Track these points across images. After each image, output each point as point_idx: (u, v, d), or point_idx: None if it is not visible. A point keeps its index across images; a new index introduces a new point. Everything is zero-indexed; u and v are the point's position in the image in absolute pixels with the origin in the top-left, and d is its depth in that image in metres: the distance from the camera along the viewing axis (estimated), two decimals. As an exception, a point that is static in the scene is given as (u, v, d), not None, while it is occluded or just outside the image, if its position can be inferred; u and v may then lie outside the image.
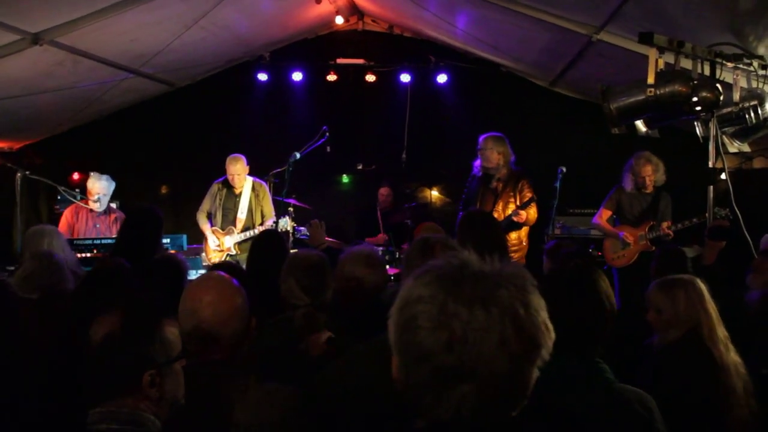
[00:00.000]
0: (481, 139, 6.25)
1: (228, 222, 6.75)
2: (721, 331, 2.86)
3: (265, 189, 6.85)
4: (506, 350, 1.16)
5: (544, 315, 1.22)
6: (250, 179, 6.80)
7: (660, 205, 6.12)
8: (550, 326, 1.23)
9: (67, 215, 6.36)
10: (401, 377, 1.26)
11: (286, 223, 6.24)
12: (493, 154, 6.13)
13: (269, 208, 6.82)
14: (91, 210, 6.35)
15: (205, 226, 6.75)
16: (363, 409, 2.08)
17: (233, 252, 6.64)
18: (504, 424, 1.23)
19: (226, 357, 2.24)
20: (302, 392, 2.14)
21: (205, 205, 6.88)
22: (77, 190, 6.77)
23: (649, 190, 6.12)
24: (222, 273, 2.43)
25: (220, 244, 6.68)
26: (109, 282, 3.10)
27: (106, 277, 3.16)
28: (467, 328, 1.16)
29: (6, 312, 2.68)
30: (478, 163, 6.28)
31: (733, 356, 2.83)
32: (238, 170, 6.63)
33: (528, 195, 6.06)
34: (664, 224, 5.97)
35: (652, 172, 6.05)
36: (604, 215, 6.38)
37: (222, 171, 6.81)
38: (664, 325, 2.91)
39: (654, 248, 5.91)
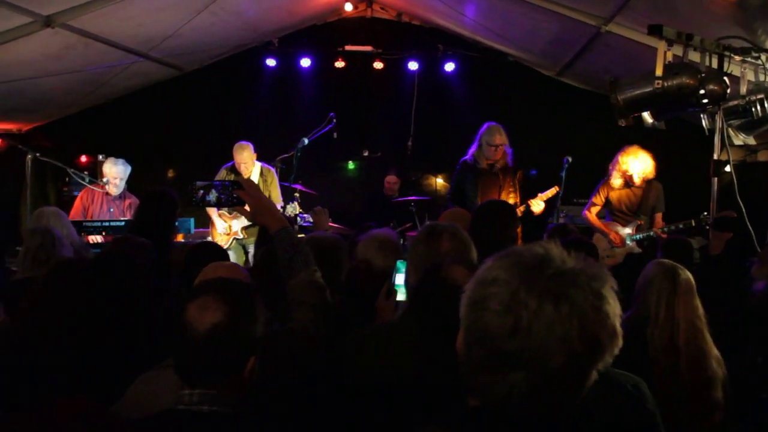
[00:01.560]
0: (486, 130, 5.96)
1: None
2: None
3: (274, 174, 6.88)
4: (567, 347, 1.17)
5: (614, 320, 1.22)
6: (258, 164, 6.82)
7: (650, 198, 6.06)
8: (619, 332, 1.23)
9: (83, 197, 6.38)
10: (463, 353, 1.29)
11: (294, 209, 6.28)
12: (504, 149, 5.95)
13: (277, 193, 6.85)
14: (107, 193, 6.38)
15: (212, 211, 6.78)
16: (385, 380, 2.14)
17: (240, 236, 6.68)
18: (553, 418, 1.24)
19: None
20: None
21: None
22: (85, 172, 6.81)
23: (639, 184, 6.05)
24: (231, 262, 2.44)
25: (228, 228, 6.71)
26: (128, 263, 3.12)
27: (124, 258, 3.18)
28: (533, 319, 1.17)
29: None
30: (473, 151, 6.03)
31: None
32: (245, 158, 6.64)
33: (517, 189, 5.98)
34: (656, 227, 5.94)
35: (640, 168, 5.97)
36: (593, 209, 6.34)
37: (229, 155, 6.81)
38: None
39: (641, 251, 5.89)
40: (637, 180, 6.01)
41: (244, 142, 6.73)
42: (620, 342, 1.23)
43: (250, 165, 6.72)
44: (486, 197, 5.88)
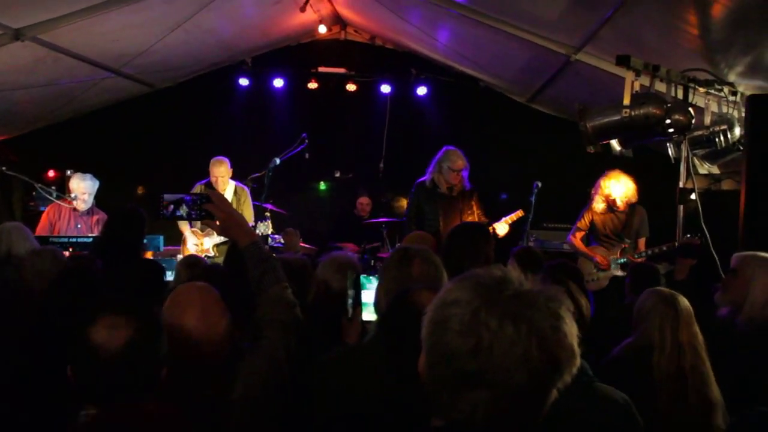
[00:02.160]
0: (445, 154, 5.95)
1: None
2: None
3: (247, 194, 6.83)
4: (527, 366, 1.20)
5: (572, 340, 1.25)
6: (232, 183, 6.78)
7: (634, 222, 6.08)
8: (577, 351, 1.26)
9: (49, 213, 6.28)
10: (425, 372, 1.31)
11: (267, 227, 6.25)
12: (463, 173, 5.95)
13: (250, 212, 6.80)
14: (74, 209, 6.28)
15: (185, 227, 6.71)
16: (355, 406, 2.14)
17: (211, 253, 6.61)
18: None
19: (206, 359, 2.26)
20: None
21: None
22: (53, 187, 6.71)
23: (622, 208, 6.06)
24: (202, 283, 2.42)
25: (199, 245, 6.65)
26: (83, 281, 3.09)
27: (79, 276, 3.15)
28: (494, 339, 1.20)
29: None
30: (432, 174, 6.01)
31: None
32: (222, 173, 6.60)
33: (480, 209, 6.01)
34: (635, 252, 5.98)
35: (622, 191, 5.99)
36: (577, 234, 6.36)
37: (200, 173, 6.77)
38: None
39: (625, 274, 5.92)
40: (620, 204, 6.01)
41: (221, 157, 6.67)
42: (578, 361, 1.26)
43: (226, 180, 6.67)
44: (448, 220, 5.88)
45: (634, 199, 6.06)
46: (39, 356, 2.47)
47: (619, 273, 5.97)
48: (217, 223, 2.53)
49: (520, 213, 6.01)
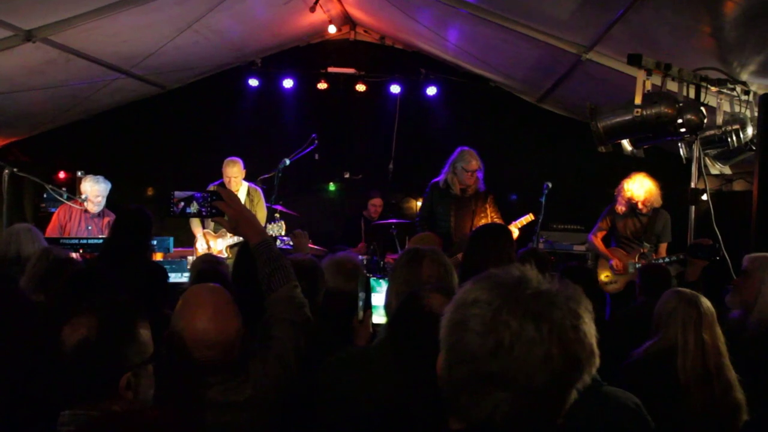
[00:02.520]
0: (460, 155, 5.99)
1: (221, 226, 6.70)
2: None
3: (260, 195, 6.83)
4: (548, 367, 1.19)
5: (591, 340, 1.24)
6: (245, 184, 6.78)
7: (656, 227, 6.03)
8: (597, 352, 1.25)
9: (59, 214, 6.29)
10: (443, 374, 1.29)
11: (280, 229, 6.24)
12: (477, 173, 5.97)
13: (263, 213, 6.79)
14: (86, 211, 6.30)
15: (197, 229, 6.71)
16: (361, 408, 2.13)
17: (225, 255, 6.60)
18: None
19: (216, 361, 2.25)
20: None
21: None
22: (64, 188, 6.74)
23: (644, 211, 6.02)
24: (214, 285, 2.41)
25: (211, 249, 6.64)
26: (88, 287, 3.09)
27: (84, 282, 3.15)
28: (515, 339, 1.19)
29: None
30: (446, 175, 6.04)
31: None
32: (235, 173, 6.60)
33: (495, 212, 6.01)
34: (654, 255, 5.92)
35: (643, 195, 5.95)
36: (599, 234, 6.32)
37: (210, 174, 6.77)
38: None
39: None
40: (641, 207, 5.98)
41: (234, 158, 6.66)
42: (597, 361, 1.25)
43: (239, 181, 6.68)
44: (460, 222, 5.89)
45: (656, 204, 6.01)
46: (36, 359, 2.46)
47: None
48: (227, 220, 2.52)
49: (530, 217, 5.99)
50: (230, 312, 2.27)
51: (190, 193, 2.52)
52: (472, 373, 1.22)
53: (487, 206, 5.97)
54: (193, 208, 2.52)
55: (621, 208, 6.11)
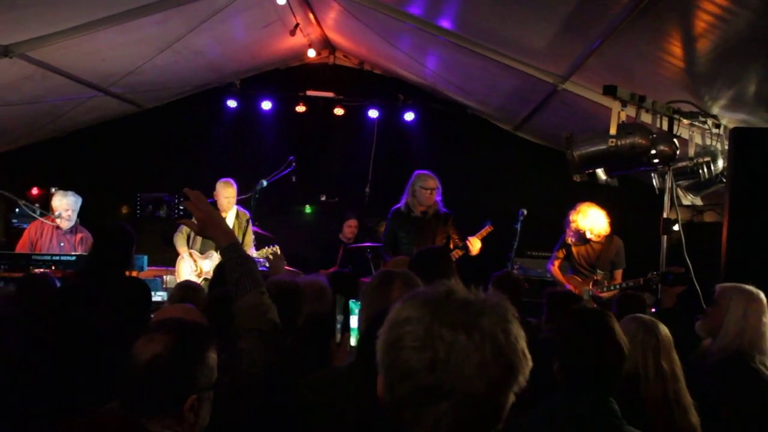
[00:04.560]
0: (418, 177, 6.08)
1: (208, 246, 6.59)
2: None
3: (248, 217, 6.78)
4: (485, 373, 1.22)
5: (522, 343, 1.28)
6: (235, 207, 6.74)
7: (609, 254, 6.10)
8: (528, 354, 1.29)
9: (30, 231, 6.20)
10: (385, 394, 1.32)
11: (276, 251, 6.22)
12: (436, 193, 6.05)
13: (249, 238, 6.72)
14: (57, 227, 6.20)
15: (183, 248, 6.60)
16: (334, 424, 2.12)
17: (210, 276, 6.51)
18: None
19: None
20: None
21: (186, 227, 6.70)
22: (36, 205, 6.64)
23: (595, 239, 6.07)
24: (188, 305, 2.40)
25: (198, 269, 6.54)
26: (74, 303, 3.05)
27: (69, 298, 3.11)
28: (449, 351, 1.22)
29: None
30: (406, 199, 6.13)
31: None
32: (230, 194, 6.56)
33: (455, 233, 6.07)
34: (606, 283, 5.99)
35: (591, 224, 6.01)
36: (556, 262, 6.41)
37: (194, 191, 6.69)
38: None
39: (595, 305, 5.93)
40: (590, 236, 6.05)
41: (229, 179, 6.66)
42: (530, 364, 1.29)
43: (232, 202, 6.63)
44: (421, 245, 5.90)
45: (605, 232, 6.06)
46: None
47: (593, 305, 5.96)
48: (195, 222, 2.46)
49: (490, 228, 6.05)
50: None
51: (158, 195, 2.48)
52: (412, 388, 1.25)
53: (448, 228, 6.04)
54: (162, 210, 2.49)
55: (570, 239, 6.21)
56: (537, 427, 2.00)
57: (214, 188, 6.69)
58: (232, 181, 6.64)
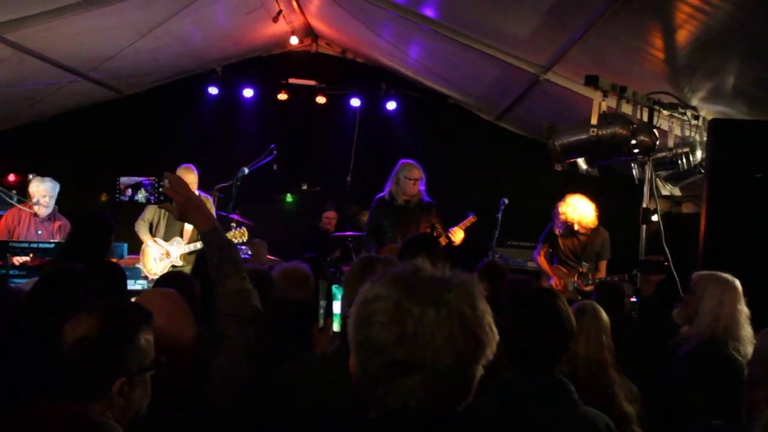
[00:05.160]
0: (402, 166, 6.05)
1: (173, 233, 6.55)
2: None
3: (211, 202, 6.74)
4: (453, 347, 1.27)
5: (489, 318, 1.34)
6: (197, 192, 6.68)
7: (595, 245, 6.15)
8: (495, 329, 1.34)
9: (7, 218, 6.09)
10: (357, 371, 1.36)
11: (243, 235, 6.19)
12: (419, 183, 6.03)
13: None
14: (35, 215, 6.11)
15: (146, 236, 6.54)
16: (318, 414, 2.14)
17: (179, 263, 6.47)
18: (449, 417, 1.33)
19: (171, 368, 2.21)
20: None
21: (148, 214, 6.61)
22: (14, 191, 6.55)
23: (582, 231, 6.12)
24: (170, 290, 2.36)
25: (166, 253, 6.50)
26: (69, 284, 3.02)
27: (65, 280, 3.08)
28: (418, 325, 1.27)
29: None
30: (390, 187, 6.10)
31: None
32: (192, 180, 6.47)
33: (439, 222, 6.04)
34: (591, 276, 6.06)
35: (579, 216, 6.05)
36: (542, 252, 6.45)
37: (167, 181, 6.65)
38: None
39: (580, 297, 5.95)
40: (578, 228, 6.09)
41: (189, 165, 6.53)
42: (497, 338, 1.34)
43: (194, 188, 6.55)
44: (404, 233, 5.90)
45: (592, 224, 6.11)
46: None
47: (577, 297, 6.02)
48: (175, 206, 2.42)
49: (473, 219, 6.06)
50: (186, 319, 2.24)
51: (137, 179, 2.45)
52: (383, 363, 1.29)
53: (432, 217, 6.04)
54: (141, 195, 2.46)
55: (558, 230, 6.26)
56: (491, 410, 2.03)
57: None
58: (192, 166, 6.54)
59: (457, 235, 5.91)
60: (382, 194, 6.18)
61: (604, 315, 3.08)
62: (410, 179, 5.96)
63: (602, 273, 6.12)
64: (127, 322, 1.85)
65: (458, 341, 1.27)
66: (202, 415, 2.21)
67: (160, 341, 2.13)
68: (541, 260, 6.44)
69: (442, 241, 5.87)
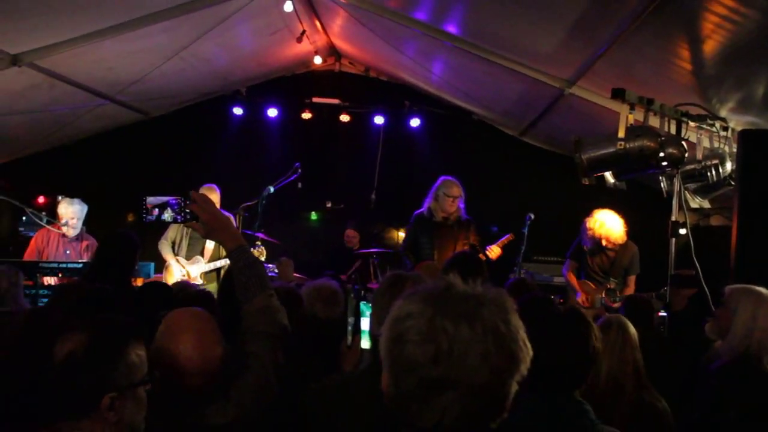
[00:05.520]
0: (443, 183, 6.09)
1: (194, 252, 6.63)
2: None
3: (232, 222, 6.79)
4: (488, 363, 1.25)
5: (522, 334, 1.32)
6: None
7: (624, 261, 6.08)
8: (528, 344, 1.32)
9: (36, 239, 6.21)
10: (390, 389, 1.34)
11: (260, 255, 6.23)
12: (459, 201, 6.07)
13: None
14: (63, 235, 6.21)
15: (169, 255, 6.61)
16: (348, 428, 2.12)
17: (199, 281, 6.53)
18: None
19: (198, 388, 2.20)
20: None
21: (170, 233, 6.71)
22: (43, 213, 6.66)
23: (610, 246, 6.05)
24: (198, 309, 2.36)
25: (187, 274, 6.57)
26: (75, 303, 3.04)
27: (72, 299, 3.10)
28: (453, 342, 1.25)
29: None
30: (429, 204, 6.13)
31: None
32: (214, 200, 6.53)
33: (476, 240, 6.05)
34: (618, 293, 5.97)
35: (607, 232, 5.99)
36: (570, 267, 6.39)
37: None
38: None
39: (607, 314, 5.91)
40: (606, 243, 6.02)
41: (212, 185, 6.63)
42: (531, 353, 1.32)
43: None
44: (442, 249, 5.94)
45: (621, 240, 6.03)
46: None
47: (605, 314, 5.93)
48: (202, 224, 2.43)
49: (510, 237, 6.08)
50: (214, 338, 2.22)
51: (163, 199, 2.45)
52: (417, 381, 1.27)
53: (470, 234, 6.03)
54: (168, 215, 2.46)
55: (588, 245, 6.19)
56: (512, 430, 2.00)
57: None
58: (215, 186, 6.64)
59: (493, 252, 5.92)
60: (420, 210, 6.21)
61: (632, 329, 3.03)
62: (450, 196, 6.01)
63: (631, 288, 6.04)
64: (116, 338, 1.83)
65: (493, 357, 1.25)
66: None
67: (189, 362, 2.13)
68: (570, 276, 6.38)
69: (492, 253, 5.94)
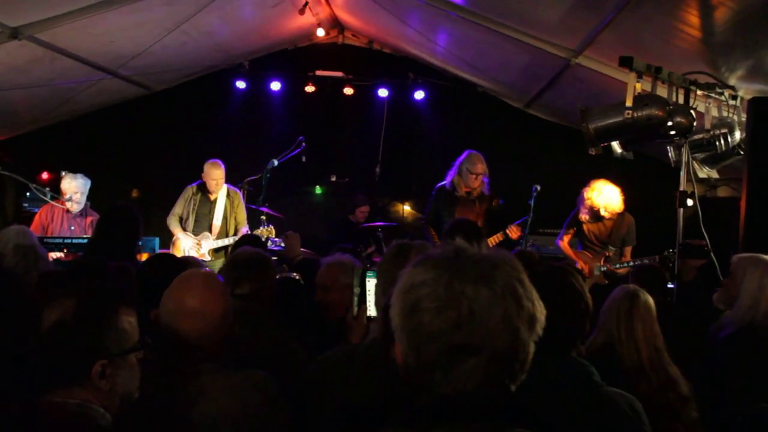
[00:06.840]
0: (467, 158, 6.07)
1: (202, 228, 6.62)
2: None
3: (240, 197, 6.78)
4: (509, 324, 1.24)
5: (536, 293, 1.31)
6: (225, 186, 6.72)
7: (621, 231, 6.07)
8: (542, 305, 1.31)
9: (41, 215, 6.20)
10: (409, 360, 1.30)
11: (270, 232, 6.23)
12: (482, 177, 6.08)
13: (243, 216, 6.75)
14: (67, 211, 6.20)
15: (177, 229, 6.59)
16: (353, 402, 2.11)
17: (207, 258, 6.52)
18: (504, 397, 1.29)
19: (205, 354, 2.20)
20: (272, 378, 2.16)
21: (178, 208, 6.68)
22: (47, 188, 6.64)
23: (608, 216, 6.03)
24: (207, 270, 2.36)
25: (198, 244, 6.53)
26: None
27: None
28: (473, 305, 1.23)
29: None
30: (452, 177, 6.13)
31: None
32: (217, 176, 6.51)
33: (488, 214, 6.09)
34: (619, 260, 5.98)
35: (605, 202, 5.96)
36: (565, 237, 6.40)
37: (196, 176, 6.71)
38: None
39: (607, 282, 5.90)
40: (604, 213, 6.01)
41: (216, 160, 6.59)
42: (545, 312, 1.31)
43: (221, 183, 6.61)
44: None
45: (619, 209, 6.02)
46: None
47: (603, 282, 5.96)
48: None
49: (530, 218, 6.09)
50: (219, 291, 2.23)
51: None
52: (440, 349, 1.24)
53: (489, 209, 6.07)
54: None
55: (584, 216, 6.18)
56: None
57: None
58: (219, 161, 6.59)
59: (514, 232, 5.93)
60: (443, 183, 6.22)
61: (651, 299, 3.01)
62: (473, 173, 6.04)
63: (627, 258, 6.05)
64: (104, 303, 1.81)
65: (514, 318, 1.24)
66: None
67: (191, 306, 2.12)
68: (564, 245, 6.41)
69: (497, 237, 5.97)
